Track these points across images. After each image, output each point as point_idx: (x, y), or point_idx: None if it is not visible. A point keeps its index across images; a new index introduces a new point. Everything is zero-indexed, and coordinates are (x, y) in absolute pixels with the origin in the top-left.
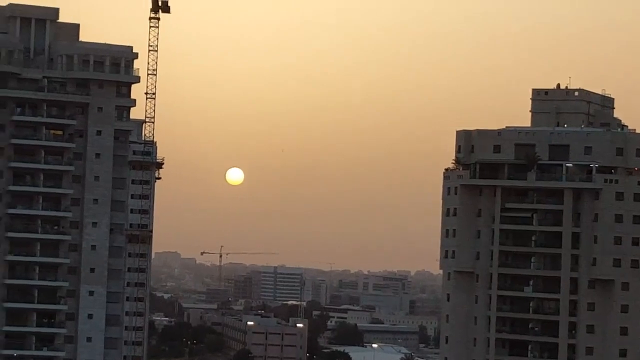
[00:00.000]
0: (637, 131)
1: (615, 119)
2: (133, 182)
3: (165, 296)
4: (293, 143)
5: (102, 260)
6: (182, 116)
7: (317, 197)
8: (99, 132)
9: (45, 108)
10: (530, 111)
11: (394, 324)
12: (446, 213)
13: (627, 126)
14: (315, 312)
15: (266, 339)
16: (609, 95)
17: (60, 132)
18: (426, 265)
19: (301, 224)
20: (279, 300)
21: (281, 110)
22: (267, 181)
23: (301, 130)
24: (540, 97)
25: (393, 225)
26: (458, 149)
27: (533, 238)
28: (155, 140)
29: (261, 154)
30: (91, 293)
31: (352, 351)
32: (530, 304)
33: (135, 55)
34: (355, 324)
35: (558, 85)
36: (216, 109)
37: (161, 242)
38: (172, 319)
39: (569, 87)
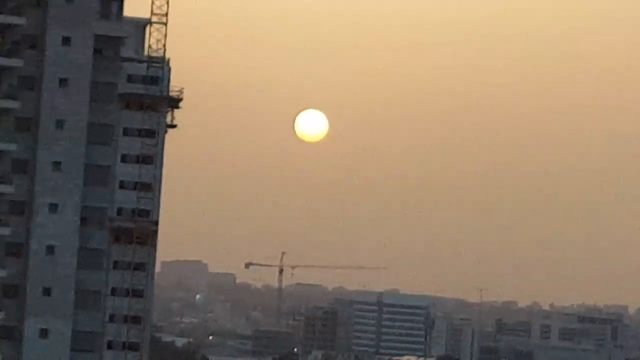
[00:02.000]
0: None
1: None
2: (126, 132)
3: (180, 342)
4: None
5: (66, 274)
6: (216, 18)
7: (460, 170)
8: (65, 40)
9: None
10: None
11: None
12: None
13: None
14: None
15: None
16: None
17: None
18: None
19: (430, 217)
20: (386, 354)
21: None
22: (372, 136)
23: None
24: None
25: (591, 229)
26: None
27: None
28: (168, 57)
29: (358, 86)
30: (44, 333)
31: None
32: None
33: None
34: None
35: None
36: (269, 14)
37: (174, 243)
38: None
39: None
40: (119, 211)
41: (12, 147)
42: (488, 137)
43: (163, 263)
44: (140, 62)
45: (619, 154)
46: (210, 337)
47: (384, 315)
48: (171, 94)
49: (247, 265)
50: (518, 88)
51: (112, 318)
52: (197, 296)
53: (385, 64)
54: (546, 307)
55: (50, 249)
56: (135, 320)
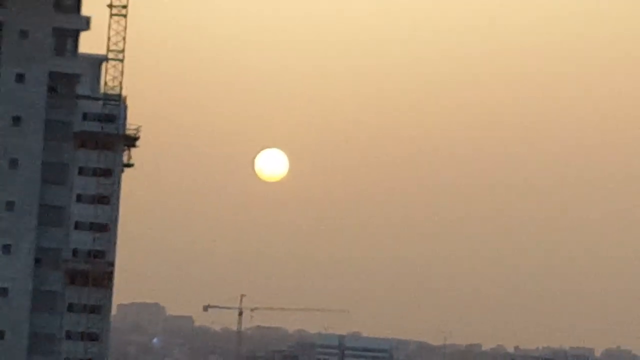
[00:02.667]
0: None
1: None
2: (82, 172)
3: None
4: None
5: (20, 318)
6: (174, 55)
7: (422, 212)
8: (19, 77)
9: None
10: None
11: None
12: None
13: None
14: None
15: None
16: None
17: None
18: (622, 339)
19: (393, 259)
20: None
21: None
22: (331, 174)
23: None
24: None
25: (556, 271)
26: None
27: None
28: (125, 94)
29: (317, 126)
30: None
31: None
32: None
33: None
34: None
35: None
36: (229, 48)
37: (131, 285)
38: None
39: None
40: (74, 252)
41: None
42: (450, 178)
43: (119, 305)
44: (96, 99)
45: (579, 200)
46: None
47: (346, 359)
48: (128, 132)
49: (206, 308)
50: (490, 126)
51: None
52: (154, 340)
53: (346, 103)
54: (511, 349)
55: (4, 291)
56: None
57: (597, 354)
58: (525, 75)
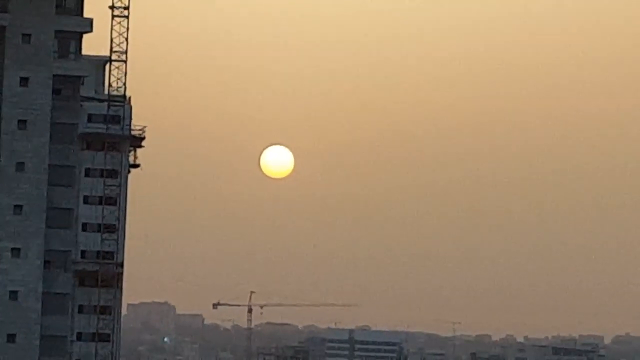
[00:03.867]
0: None
1: None
2: (88, 173)
3: None
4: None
5: (31, 320)
6: (177, 54)
7: (430, 205)
8: (23, 80)
9: None
10: None
11: None
12: None
13: None
14: None
15: None
16: None
17: None
18: (632, 326)
19: (400, 252)
20: None
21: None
22: (337, 170)
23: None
24: None
25: (565, 260)
26: None
27: None
28: (129, 95)
29: (322, 122)
30: None
31: None
32: None
33: None
34: None
35: None
36: (232, 46)
37: (140, 285)
38: None
39: None
40: (83, 254)
41: None
42: (456, 170)
43: (129, 305)
44: (101, 101)
45: (585, 191)
46: None
47: (357, 353)
48: (133, 132)
49: (215, 306)
50: (488, 118)
51: None
52: (165, 338)
53: (351, 100)
54: (521, 339)
55: (14, 295)
56: None
57: (607, 341)
58: (526, 75)
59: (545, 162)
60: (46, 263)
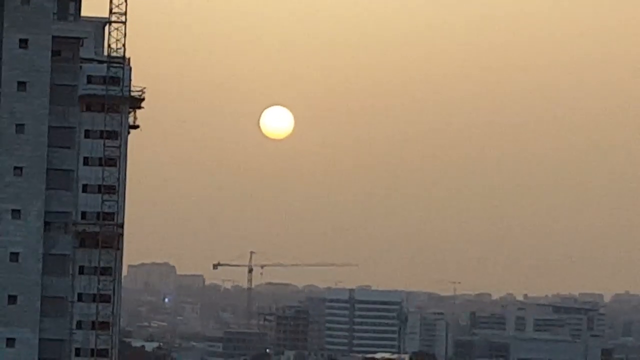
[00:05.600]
0: None
1: None
2: (88, 135)
3: (149, 346)
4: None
5: (32, 281)
6: (176, 15)
7: (429, 163)
8: (23, 42)
9: None
10: None
11: None
12: None
13: None
14: None
15: None
16: None
17: None
18: (631, 284)
19: (400, 211)
20: (360, 352)
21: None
22: (336, 130)
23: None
24: None
25: (563, 219)
26: None
27: None
28: (128, 56)
29: (321, 83)
30: (10, 342)
31: None
32: None
33: None
34: None
35: None
36: (233, 6)
37: (141, 246)
38: None
39: None
40: (83, 215)
41: None
42: (455, 128)
43: (130, 266)
44: (100, 62)
45: (585, 146)
46: (179, 341)
47: (356, 312)
48: (132, 94)
49: (216, 266)
50: (484, 84)
51: (79, 324)
52: (166, 299)
53: (350, 60)
54: (520, 297)
55: (15, 256)
56: (104, 326)
57: (607, 299)
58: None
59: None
60: (46, 224)
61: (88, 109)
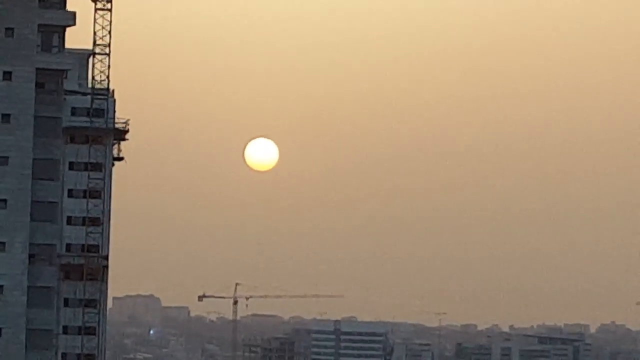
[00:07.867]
0: None
1: None
2: (72, 167)
3: None
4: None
5: (17, 314)
6: (161, 47)
7: (414, 194)
8: (7, 74)
9: None
10: None
11: None
12: None
13: None
14: None
15: None
16: None
17: None
18: (617, 314)
19: (385, 243)
20: None
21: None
22: (321, 162)
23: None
24: None
25: (549, 249)
26: None
27: None
28: (112, 88)
29: (306, 115)
30: None
31: None
32: None
33: None
34: None
35: None
36: (216, 40)
37: (125, 278)
38: None
39: None
40: (68, 247)
41: None
42: (440, 156)
43: (115, 299)
44: (84, 94)
45: (567, 176)
46: None
47: (342, 344)
48: (117, 125)
49: (201, 298)
50: (471, 112)
51: (64, 357)
52: (151, 331)
53: (335, 91)
54: (506, 328)
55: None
56: (89, 358)
57: (593, 330)
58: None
59: (526, 166)
60: (31, 257)
61: (72, 141)
